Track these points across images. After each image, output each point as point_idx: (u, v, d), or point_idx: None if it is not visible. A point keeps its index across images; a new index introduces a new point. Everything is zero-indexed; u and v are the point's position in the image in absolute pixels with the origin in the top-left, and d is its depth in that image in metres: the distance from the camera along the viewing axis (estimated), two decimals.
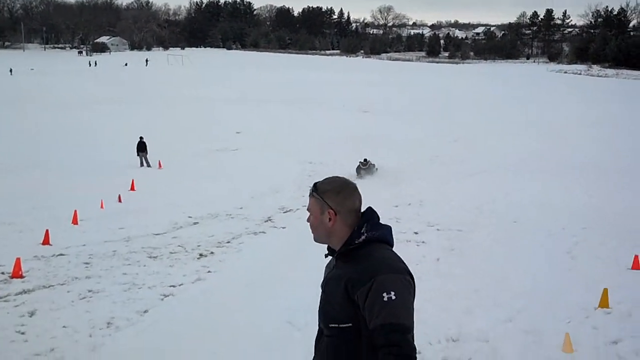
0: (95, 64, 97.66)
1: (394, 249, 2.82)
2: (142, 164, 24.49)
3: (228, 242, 12.99)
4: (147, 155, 24.64)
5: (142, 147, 24.57)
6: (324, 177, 2.91)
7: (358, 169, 22.86)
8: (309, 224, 2.84)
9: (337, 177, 2.89)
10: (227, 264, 11.14)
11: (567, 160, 25.70)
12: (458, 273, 10.34)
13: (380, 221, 2.84)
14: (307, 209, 2.86)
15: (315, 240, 2.85)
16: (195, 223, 14.99)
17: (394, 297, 2.51)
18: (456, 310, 8.20)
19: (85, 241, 12.53)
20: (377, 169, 23.51)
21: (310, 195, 2.82)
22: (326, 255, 2.90)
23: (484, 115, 41.75)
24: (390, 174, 23.30)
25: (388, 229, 2.83)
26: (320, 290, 2.86)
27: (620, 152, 27.67)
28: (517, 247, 12.29)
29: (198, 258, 11.44)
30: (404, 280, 2.61)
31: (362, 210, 2.84)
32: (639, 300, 9.23)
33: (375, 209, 2.86)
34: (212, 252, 11.93)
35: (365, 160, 23.20)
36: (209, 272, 10.47)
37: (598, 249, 12.18)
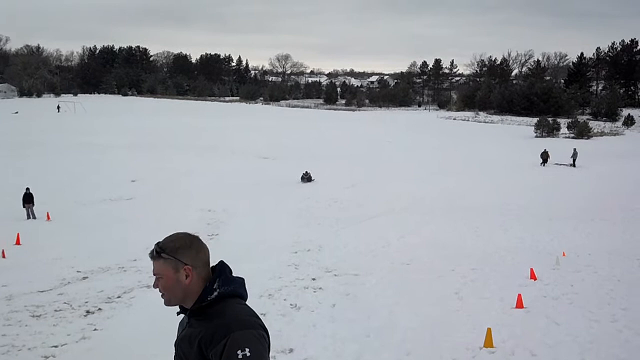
0: None
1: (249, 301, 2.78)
2: (28, 217, 23.24)
3: (118, 296, 12.53)
4: (34, 207, 23.45)
5: (28, 199, 23.37)
6: (167, 237, 2.69)
7: None
8: (157, 289, 2.66)
9: (178, 233, 2.74)
10: (116, 320, 10.73)
11: (456, 201, 26.85)
12: (351, 318, 10.48)
13: (234, 274, 2.77)
14: (154, 273, 2.65)
15: (169, 304, 2.69)
16: (84, 278, 14.37)
17: (248, 354, 2.48)
18: (348, 356, 8.28)
19: None
20: None
21: (157, 257, 2.62)
22: (178, 313, 2.79)
23: (378, 160, 43.00)
24: (289, 218, 23.41)
25: (240, 282, 2.77)
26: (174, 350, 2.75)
27: (504, 192, 29.24)
28: (409, 289, 12.63)
29: (85, 315, 10.95)
30: (257, 336, 2.57)
31: (213, 264, 2.76)
32: (522, 338, 9.70)
33: (226, 264, 2.77)
34: (99, 309, 11.46)
35: None
36: (95, 330, 10.04)
37: (484, 289, 12.74)
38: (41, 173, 33.95)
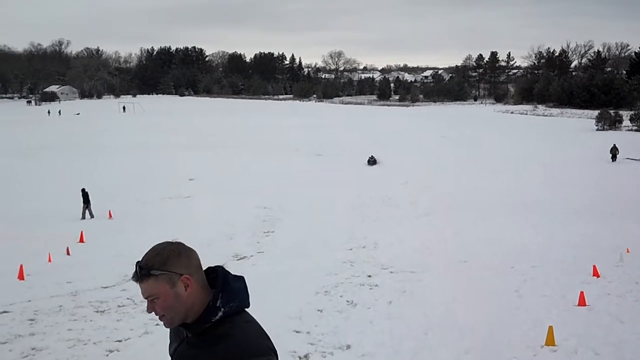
0: (59, 113, 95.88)
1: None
2: (83, 216, 23.73)
3: None
4: (90, 206, 23.99)
5: (84, 198, 23.94)
6: (148, 253, 2.36)
7: None
8: (153, 313, 2.32)
9: (159, 244, 2.39)
10: None
11: (514, 198, 26.31)
12: (408, 315, 10.43)
13: (234, 275, 2.47)
14: (146, 297, 2.29)
15: (171, 325, 2.36)
16: None
17: None
18: (405, 353, 8.24)
19: (31, 297, 12.20)
20: None
21: (144, 279, 2.27)
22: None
23: (432, 156, 42.55)
24: (343, 215, 23.45)
25: (243, 288, 2.45)
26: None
27: (564, 188, 28.49)
28: (466, 287, 12.48)
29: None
30: None
31: (208, 270, 2.46)
32: (585, 337, 9.46)
33: (226, 269, 2.46)
34: None
35: None
36: (156, 324, 10.28)
37: (545, 287, 12.46)
38: (102, 172, 35.02)
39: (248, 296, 2.46)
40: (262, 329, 2.42)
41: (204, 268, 2.41)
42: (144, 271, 2.27)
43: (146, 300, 2.30)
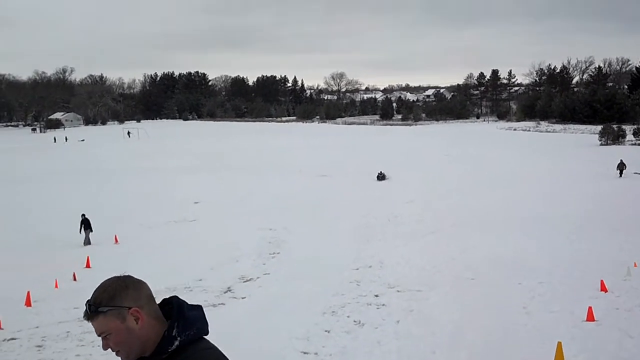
0: (66, 139, 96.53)
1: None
2: (86, 242, 23.65)
3: None
4: (91, 233, 23.87)
5: (85, 225, 23.88)
6: (95, 290, 2.31)
7: None
8: (109, 350, 2.30)
9: (106, 280, 2.36)
10: None
11: (519, 214, 26.27)
12: (416, 334, 10.40)
13: (190, 304, 2.43)
14: (99, 334, 2.28)
15: (129, 359, 2.31)
16: None
17: None
18: None
19: (39, 323, 12.22)
20: None
21: (93, 317, 2.26)
22: None
23: (436, 174, 42.57)
24: (349, 235, 23.44)
25: (201, 317, 2.40)
26: None
27: (569, 205, 28.43)
28: (474, 304, 12.44)
29: None
30: None
31: (163, 301, 2.42)
32: (594, 352, 9.41)
33: (181, 299, 2.43)
34: None
35: None
36: None
37: (553, 303, 12.41)
38: (108, 197, 35.13)
39: (206, 324, 2.41)
40: (222, 355, 2.37)
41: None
42: (93, 308, 2.25)
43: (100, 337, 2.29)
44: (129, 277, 2.36)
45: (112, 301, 2.24)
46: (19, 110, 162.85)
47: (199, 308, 2.41)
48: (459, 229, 23.38)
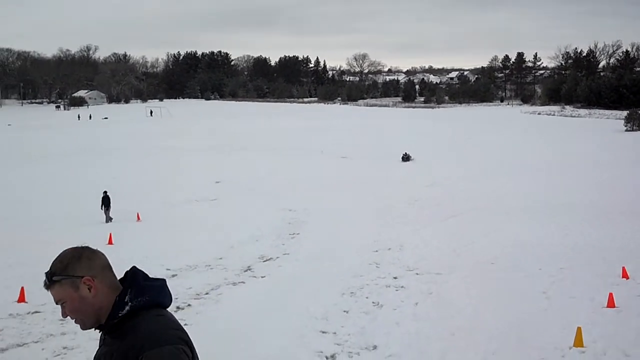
0: (90, 117, 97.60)
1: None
2: (108, 220, 23.86)
3: (206, 293, 12.95)
4: (110, 210, 24.04)
5: (106, 202, 24.05)
6: (53, 261, 2.44)
7: None
8: (68, 318, 2.43)
9: (64, 250, 2.47)
10: (205, 316, 11.11)
11: (543, 200, 26.07)
12: (435, 316, 10.41)
13: (152, 277, 2.53)
14: (57, 302, 2.40)
15: (85, 327, 2.43)
16: (173, 275, 14.92)
17: None
18: (432, 354, 8.24)
19: None
20: None
21: (50, 286, 2.38)
22: (96, 328, 2.50)
23: (458, 158, 42.32)
24: (369, 217, 23.45)
25: (158, 287, 2.48)
26: None
27: (593, 191, 28.12)
28: (494, 288, 12.40)
29: (175, 311, 11.37)
30: (175, 351, 2.27)
31: (126, 273, 2.52)
32: (614, 338, 9.35)
33: (139, 268, 2.53)
34: (189, 305, 11.90)
35: None
36: (185, 325, 10.38)
37: (573, 289, 12.34)
38: (132, 175, 35.48)
39: (165, 295, 2.51)
40: (175, 321, 2.44)
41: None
42: (49, 277, 2.38)
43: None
44: (86, 247, 2.49)
45: (65, 271, 2.36)
46: (43, 87, 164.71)
47: (160, 280, 2.52)
48: (481, 214, 23.26)
